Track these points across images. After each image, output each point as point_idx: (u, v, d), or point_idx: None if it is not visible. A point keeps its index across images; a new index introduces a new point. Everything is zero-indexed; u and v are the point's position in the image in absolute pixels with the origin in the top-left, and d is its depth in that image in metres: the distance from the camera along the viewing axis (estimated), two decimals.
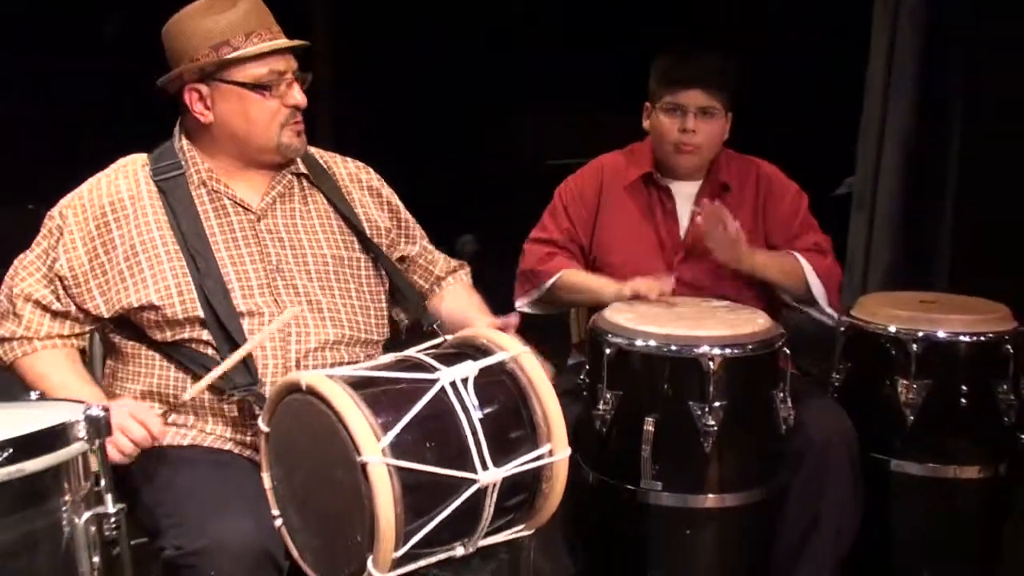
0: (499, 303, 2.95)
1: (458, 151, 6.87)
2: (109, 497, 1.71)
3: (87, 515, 1.68)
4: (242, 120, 2.26)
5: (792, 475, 2.60)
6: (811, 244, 2.90)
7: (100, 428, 1.69)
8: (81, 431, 1.68)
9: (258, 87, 2.24)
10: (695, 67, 2.80)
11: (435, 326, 2.36)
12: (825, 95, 5.60)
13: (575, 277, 2.87)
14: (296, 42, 2.29)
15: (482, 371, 1.95)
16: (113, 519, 1.71)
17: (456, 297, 2.55)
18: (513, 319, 2.24)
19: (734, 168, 2.94)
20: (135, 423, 2.03)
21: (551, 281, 2.88)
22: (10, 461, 1.56)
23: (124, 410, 2.06)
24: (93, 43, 6.29)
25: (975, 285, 2.98)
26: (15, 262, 2.29)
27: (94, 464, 1.71)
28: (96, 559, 1.69)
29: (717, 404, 2.39)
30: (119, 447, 2.01)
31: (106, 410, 1.71)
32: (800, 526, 2.63)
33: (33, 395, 1.91)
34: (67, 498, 1.66)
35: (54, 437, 1.64)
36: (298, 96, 2.28)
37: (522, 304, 2.96)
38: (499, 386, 1.98)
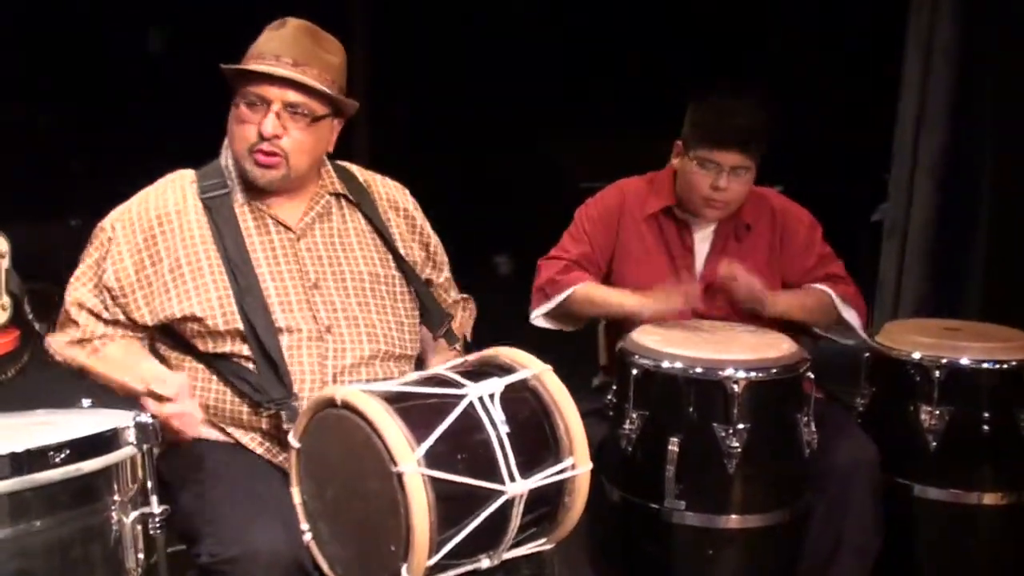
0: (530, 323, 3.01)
1: (493, 172, 6.91)
2: (154, 498, 1.82)
3: (134, 514, 1.80)
4: (231, 129, 2.32)
5: (816, 498, 2.61)
6: (827, 275, 2.90)
7: (148, 433, 1.81)
8: (131, 435, 1.80)
9: (238, 99, 2.27)
10: (735, 128, 2.73)
11: (457, 346, 2.41)
12: (859, 121, 5.60)
13: (594, 290, 2.86)
14: (295, 76, 2.23)
15: (507, 387, 2.02)
16: (158, 518, 1.81)
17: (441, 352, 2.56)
18: None
19: (751, 206, 2.90)
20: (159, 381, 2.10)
21: (568, 292, 2.85)
22: (68, 461, 1.68)
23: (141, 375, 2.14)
24: (139, 60, 6.40)
25: (1006, 315, 2.99)
26: (73, 275, 2.36)
27: (141, 468, 1.81)
28: (141, 555, 1.80)
29: (741, 426, 2.42)
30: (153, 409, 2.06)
31: (154, 417, 1.83)
32: (823, 549, 2.64)
33: (86, 403, 1.99)
34: (116, 497, 1.77)
35: (107, 440, 1.76)
36: (268, 126, 2.23)
37: (537, 316, 2.93)
38: (523, 402, 2.04)
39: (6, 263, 2.58)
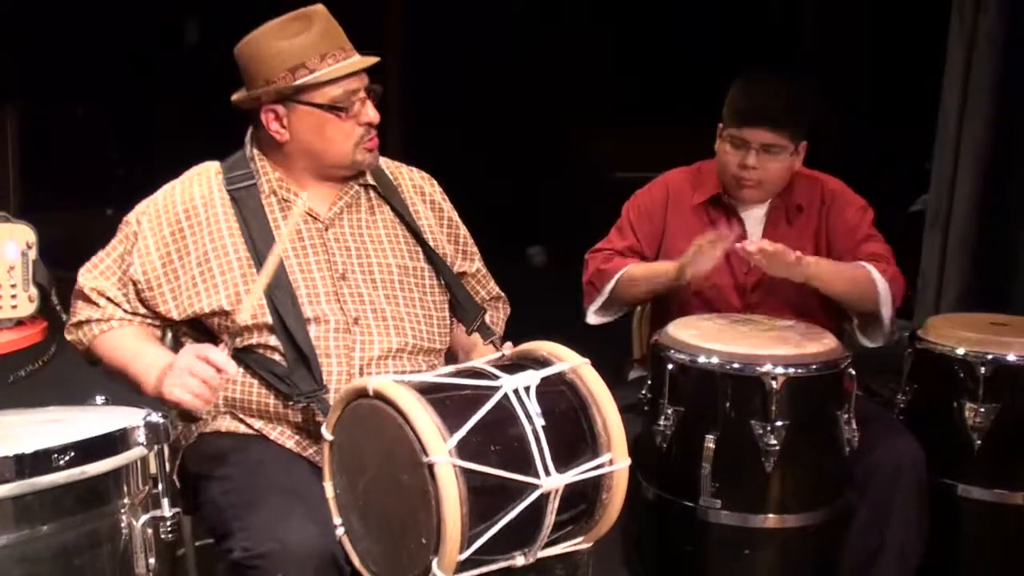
0: (565, 314, 2.98)
1: (527, 163, 6.88)
2: (166, 501, 1.76)
3: (145, 518, 1.74)
4: (318, 139, 2.30)
5: (857, 498, 2.57)
6: (872, 253, 2.81)
7: (159, 433, 1.75)
8: (141, 436, 1.74)
9: (334, 108, 2.27)
10: (763, 103, 2.73)
11: (492, 341, 2.37)
12: (901, 110, 5.53)
13: (635, 269, 2.84)
14: (369, 60, 2.31)
15: (543, 380, 1.97)
16: (169, 522, 1.76)
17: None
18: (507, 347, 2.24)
19: (803, 188, 2.88)
20: (200, 363, 2.04)
21: (615, 278, 2.84)
22: (73, 464, 1.62)
23: (188, 352, 2.08)
24: (175, 51, 6.42)
25: None
26: (90, 260, 2.35)
27: (153, 468, 1.76)
28: (152, 560, 1.74)
29: (780, 423, 2.38)
30: (187, 387, 2.02)
31: (164, 417, 1.76)
32: (864, 550, 2.60)
33: (99, 399, 1.96)
34: (126, 500, 1.72)
35: (115, 441, 1.70)
36: (371, 113, 2.31)
37: (590, 312, 2.93)
38: (560, 395, 2.00)
39: (33, 253, 2.57)
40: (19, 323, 2.58)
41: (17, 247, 2.56)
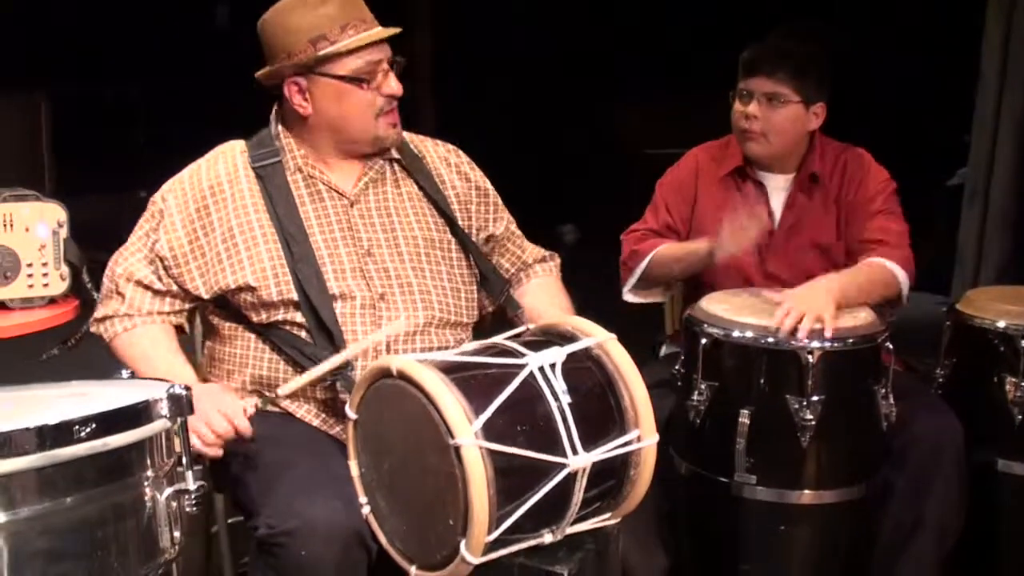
0: (597, 291, 2.96)
1: (558, 140, 6.85)
2: (190, 474, 1.73)
3: (168, 491, 1.71)
4: (339, 111, 2.28)
5: (895, 473, 2.54)
6: (881, 229, 2.74)
7: (182, 406, 1.72)
8: (164, 409, 1.71)
9: (356, 79, 2.25)
10: (764, 53, 2.75)
11: (517, 315, 2.36)
12: (939, 83, 5.45)
13: (668, 248, 2.81)
14: (391, 30, 2.29)
15: (569, 356, 1.95)
16: (194, 495, 1.73)
17: (543, 291, 2.51)
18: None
19: (827, 157, 2.85)
20: (220, 418, 2.07)
21: (647, 259, 2.81)
22: (95, 435, 1.59)
23: (214, 400, 2.09)
24: (206, 34, 6.44)
25: None
26: (118, 250, 2.35)
27: (177, 442, 1.74)
28: (177, 533, 1.72)
29: (815, 398, 2.34)
30: (200, 436, 2.04)
31: (188, 388, 1.74)
32: (902, 526, 2.56)
33: (125, 373, 1.95)
34: (149, 473, 1.69)
35: (137, 413, 1.67)
36: (394, 84, 2.29)
37: (627, 292, 2.92)
38: (586, 372, 1.98)
39: (64, 232, 2.57)
40: (52, 301, 2.58)
41: (48, 226, 2.57)
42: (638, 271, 2.84)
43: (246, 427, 2.09)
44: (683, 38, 6.65)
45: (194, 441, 2.00)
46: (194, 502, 1.73)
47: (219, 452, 2.09)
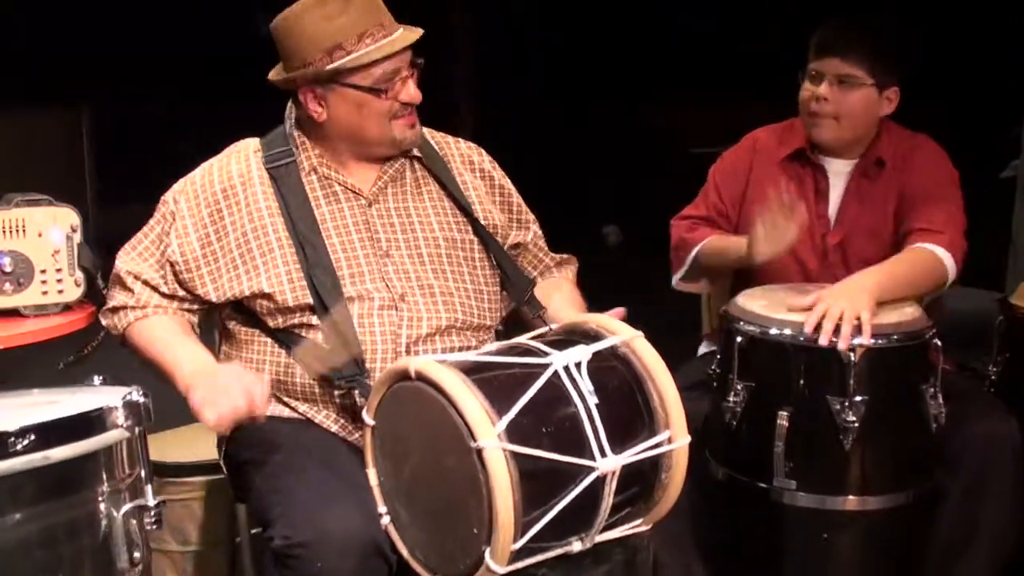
0: (641, 291, 2.91)
1: (602, 140, 6.81)
2: (149, 488, 1.65)
3: (127, 507, 1.63)
4: (356, 119, 2.23)
5: (948, 478, 2.43)
6: (926, 216, 2.61)
7: (140, 415, 1.63)
8: (120, 418, 1.62)
9: (373, 90, 2.20)
10: (839, 32, 2.64)
11: (540, 315, 2.29)
12: (992, 73, 5.32)
13: (716, 240, 2.75)
14: (409, 37, 2.22)
15: (595, 355, 1.89)
16: (153, 512, 1.65)
17: (555, 291, 2.43)
18: (619, 312, 2.12)
19: (894, 143, 2.74)
20: (240, 393, 1.98)
21: (696, 249, 2.75)
22: (33, 448, 1.50)
23: (237, 376, 2.03)
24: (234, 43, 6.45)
25: None
26: (128, 242, 2.31)
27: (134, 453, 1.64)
28: (137, 553, 1.63)
29: (858, 399, 2.25)
30: (218, 409, 1.95)
31: (146, 395, 1.65)
32: (955, 533, 2.46)
33: (96, 379, 1.87)
34: (105, 488, 1.60)
35: (89, 423, 1.58)
36: (412, 91, 2.23)
37: (676, 279, 2.86)
38: (613, 371, 1.92)
39: (78, 237, 2.53)
40: (66, 308, 2.55)
41: (61, 231, 2.53)
42: (687, 262, 2.79)
43: (263, 411, 2.01)
44: (729, 36, 6.59)
45: (207, 413, 1.94)
46: (153, 519, 1.63)
47: (227, 429, 2.02)
